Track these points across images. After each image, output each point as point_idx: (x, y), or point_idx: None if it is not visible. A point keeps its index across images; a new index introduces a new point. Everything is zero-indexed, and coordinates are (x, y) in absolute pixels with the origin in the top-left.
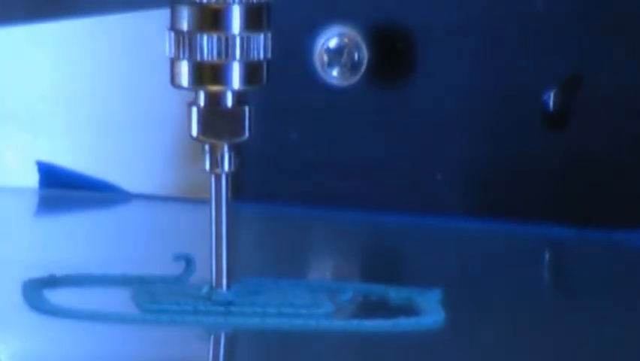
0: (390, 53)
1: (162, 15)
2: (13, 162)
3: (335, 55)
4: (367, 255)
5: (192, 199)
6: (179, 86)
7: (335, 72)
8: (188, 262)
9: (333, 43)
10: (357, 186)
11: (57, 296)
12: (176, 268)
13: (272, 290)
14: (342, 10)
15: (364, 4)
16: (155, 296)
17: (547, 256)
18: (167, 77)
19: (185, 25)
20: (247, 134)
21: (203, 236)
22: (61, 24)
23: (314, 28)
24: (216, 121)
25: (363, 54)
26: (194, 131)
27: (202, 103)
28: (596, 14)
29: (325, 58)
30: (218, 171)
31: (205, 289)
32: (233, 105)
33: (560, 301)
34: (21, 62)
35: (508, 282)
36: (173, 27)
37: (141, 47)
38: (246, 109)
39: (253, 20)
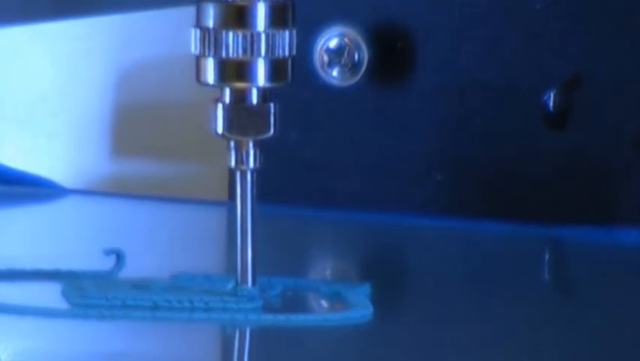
0: (391, 53)
1: (162, 15)
2: (13, 162)
3: (335, 55)
4: (367, 255)
5: (126, 195)
6: (204, 83)
7: (335, 72)
8: (119, 256)
9: (333, 43)
10: (357, 186)
11: None
12: (108, 263)
13: (202, 284)
14: (343, 10)
15: (364, 4)
16: (84, 291)
17: (547, 256)
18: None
19: (210, 23)
20: (272, 131)
21: (136, 231)
22: (61, 24)
23: (314, 28)
24: (242, 118)
25: (363, 54)
26: (220, 128)
27: (227, 100)
28: (596, 14)
29: (325, 58)
30: (243, 167)
31: (230, 285)
32: (258, 102)
33: (560, 301)
34: (21, 62)
35: (508, 282)
36: (199, 24)
37: (141, 47)
38: (271, 106)
39: (278, 17)
